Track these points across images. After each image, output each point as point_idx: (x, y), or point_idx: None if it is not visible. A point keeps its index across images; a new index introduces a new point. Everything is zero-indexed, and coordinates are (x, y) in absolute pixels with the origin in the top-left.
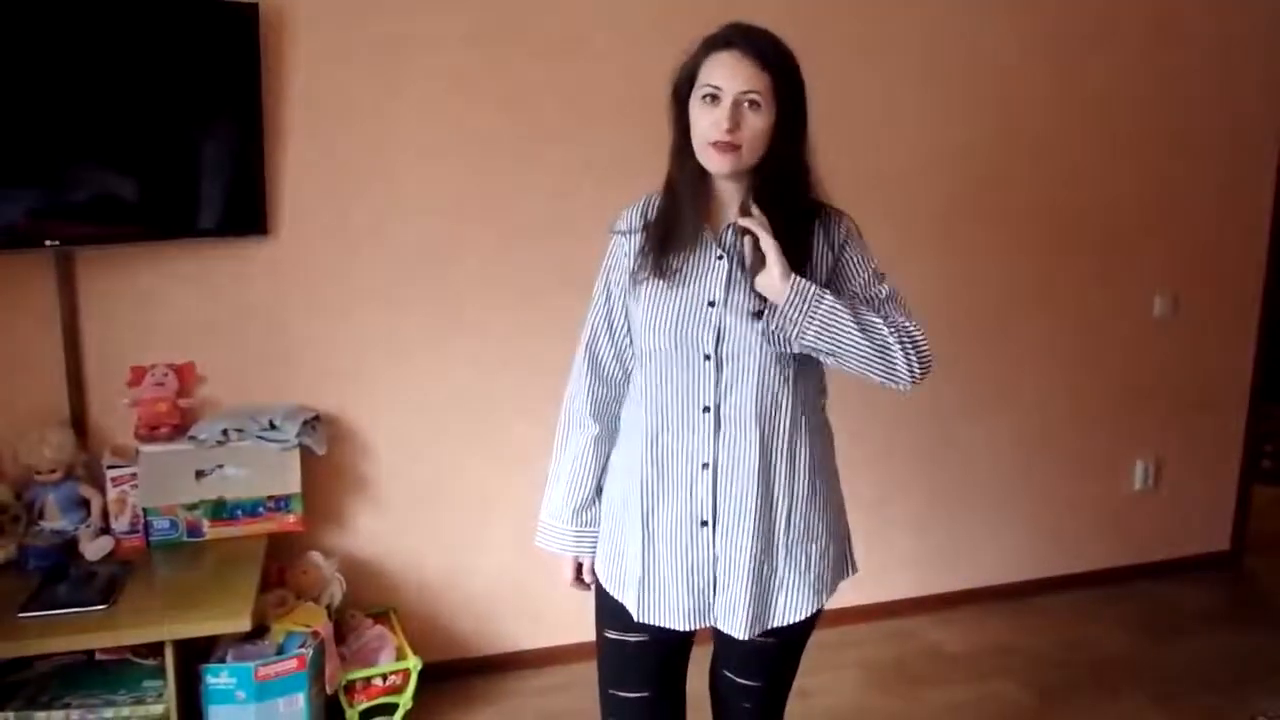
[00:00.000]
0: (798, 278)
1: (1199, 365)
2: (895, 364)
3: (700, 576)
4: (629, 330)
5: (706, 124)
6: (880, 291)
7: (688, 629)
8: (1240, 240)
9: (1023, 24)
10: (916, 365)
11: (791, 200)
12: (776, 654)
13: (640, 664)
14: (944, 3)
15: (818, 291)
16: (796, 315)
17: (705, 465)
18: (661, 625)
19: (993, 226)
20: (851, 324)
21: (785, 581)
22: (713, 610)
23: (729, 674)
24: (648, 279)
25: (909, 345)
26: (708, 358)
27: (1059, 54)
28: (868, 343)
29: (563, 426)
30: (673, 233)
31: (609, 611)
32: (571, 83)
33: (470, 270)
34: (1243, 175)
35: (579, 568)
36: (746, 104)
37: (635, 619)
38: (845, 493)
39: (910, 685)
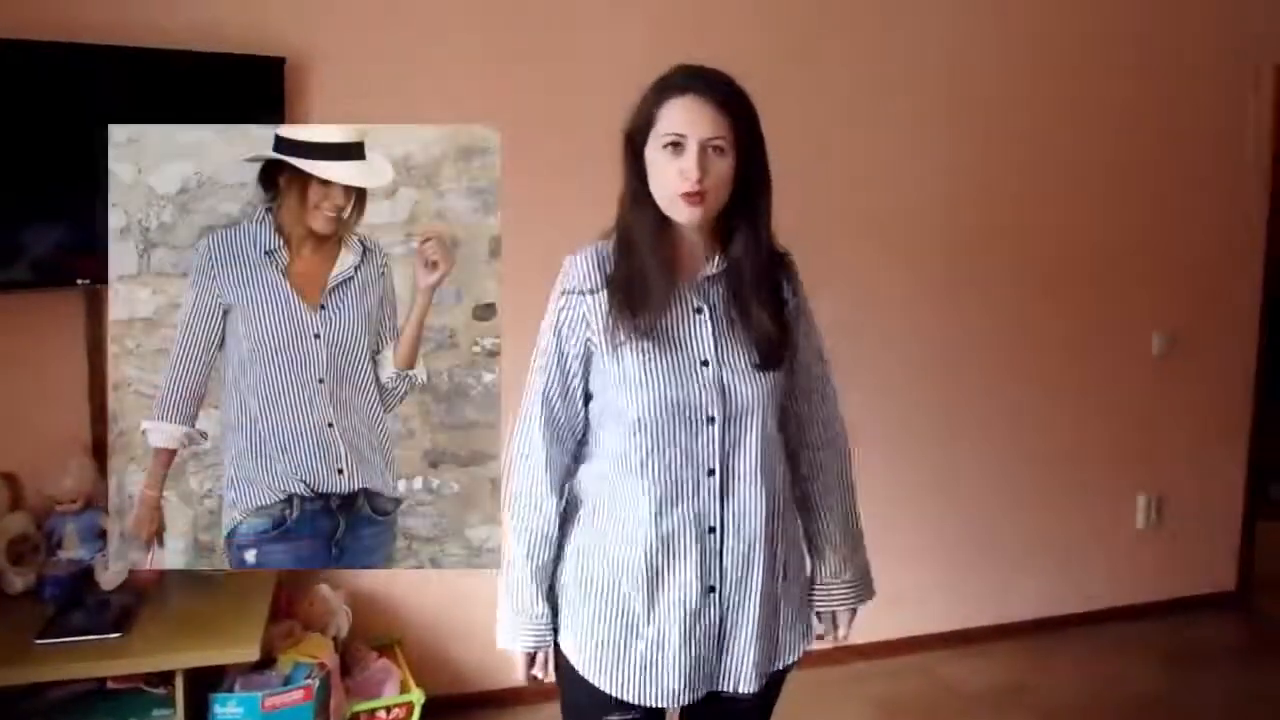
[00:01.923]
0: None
1: (1199, 401)
2: None
3: (706, 643)
4: (584, 397)
5: (673, 174)
6: (826, 373)
7: (689, 702)
8: (1236, 277)
9: (1021, 67)
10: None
11: (764, 246)
12: (749, 715)
13: None
14: (944, 48)
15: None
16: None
17: (711, 529)
18: (661, 706)
19: (996, 268)
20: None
21: (785, 625)
22: (716, 676)
23: None
24: (628, 340)
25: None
26: (711, 420)
27: (1059, 96)
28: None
29: (521, 508)
30: (642, 291)
31: (595, 706)
32: (586, 121)
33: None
34: (1236, 213)
35: (535, 657)
36: (711, 150)
37: (634, 701)
38: None
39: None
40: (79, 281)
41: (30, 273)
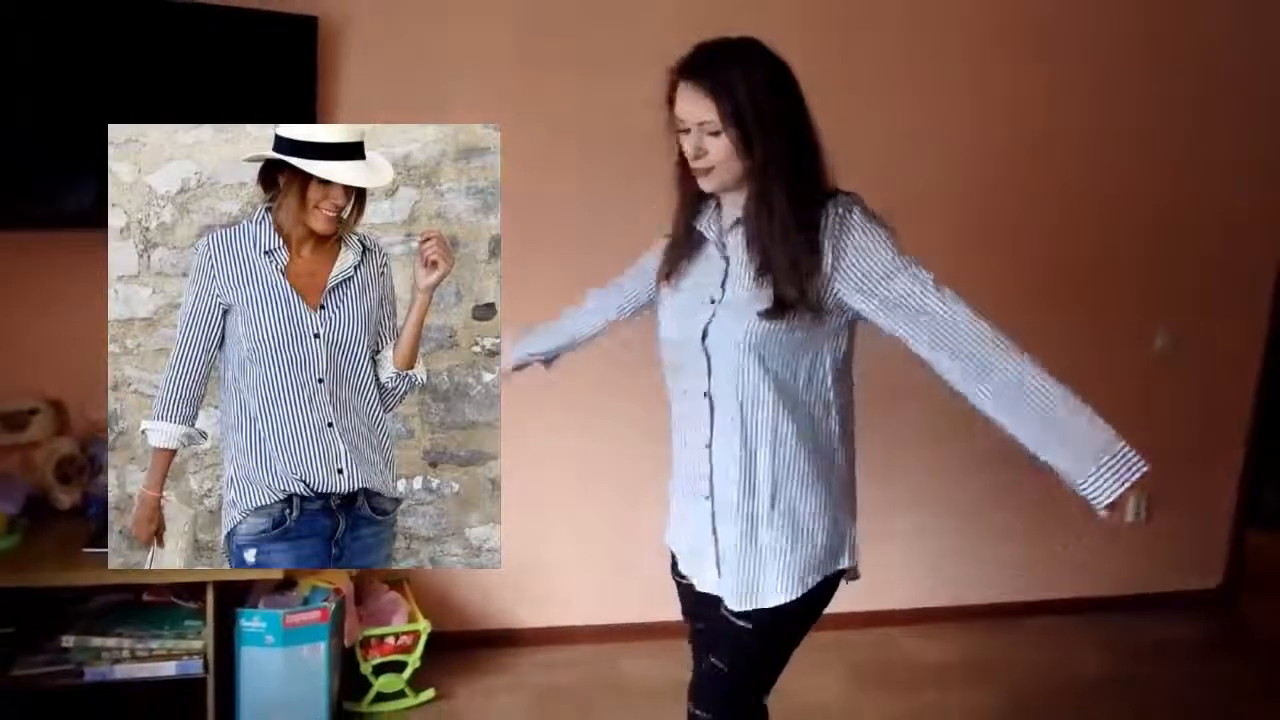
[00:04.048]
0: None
1: (1199, 403)
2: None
3: (704, 545)
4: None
5: (688, 152)
6: (917, 285)
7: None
8: (1245, 278)
9: (1029, 59)
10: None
11: (793, 201)
12: (746, 640)
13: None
14: (949, 42)
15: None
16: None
17: (706, 445)
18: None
19: (1000, 259)
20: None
21: (769, 562)
22: (718, 579)
23: (710, 656)
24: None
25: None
26: (702, 349)
27: (1067, 87)
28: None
29: None
30: (677, 242)
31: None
32: (615, 102)
33: (510, 274)
34: (1249, 212)
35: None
36: (707, 133)
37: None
38: None
39: (893, 690)
40: None
41: (76, 212)
